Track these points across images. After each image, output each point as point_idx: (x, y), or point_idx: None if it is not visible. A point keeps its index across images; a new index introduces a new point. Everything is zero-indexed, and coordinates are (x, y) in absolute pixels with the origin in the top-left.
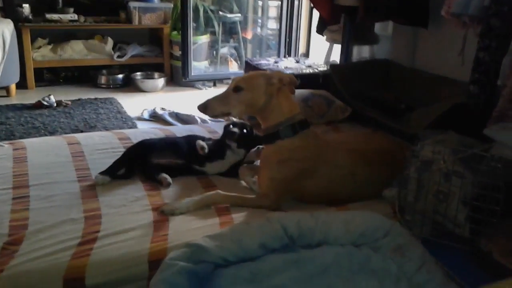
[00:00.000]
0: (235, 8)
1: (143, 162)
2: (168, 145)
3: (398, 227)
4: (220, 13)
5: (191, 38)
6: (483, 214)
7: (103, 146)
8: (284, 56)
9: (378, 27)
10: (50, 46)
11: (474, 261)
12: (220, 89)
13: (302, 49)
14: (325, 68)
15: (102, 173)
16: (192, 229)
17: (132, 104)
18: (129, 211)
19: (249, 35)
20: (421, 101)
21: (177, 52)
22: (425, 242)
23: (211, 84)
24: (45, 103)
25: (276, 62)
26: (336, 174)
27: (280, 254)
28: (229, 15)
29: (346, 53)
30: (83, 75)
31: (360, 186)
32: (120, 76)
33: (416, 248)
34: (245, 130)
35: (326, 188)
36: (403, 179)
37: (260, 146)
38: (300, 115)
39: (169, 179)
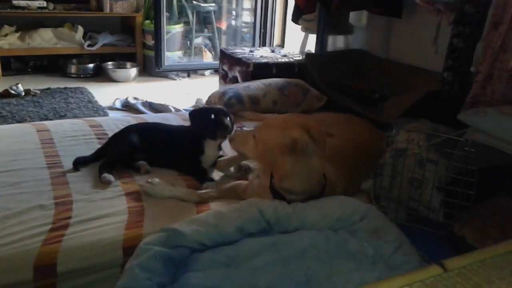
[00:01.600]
0: None
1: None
2: (149, 150)
3: (374, 211)
4: (194, 2)
5: (164, 27)
6: (457, 198)
7: (73, 133)
8: (259, 46)
9: (352, 17)
10: (17, 34)
11: (448, 246)
12: (195, 80)
13: (277, 40)
14: (301, 58)
15: (105, 171)
16: (168, 216)
17: (104, 94)
18: (102, 197)
19: (223, 25)
20: (395, 91)
21: (150, 41)
22: (399, 227)
23: (185, 74)
24: (12, 92)
25: (251, 51)
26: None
27: (258, 238)
28: (203, 5)
29: (321, 43)
30: (52, 64)
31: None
32: (91, 65)
33: (392, 231)
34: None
35: None
36: (378, 166)
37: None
38: (320, 185)
39: (147, 166)
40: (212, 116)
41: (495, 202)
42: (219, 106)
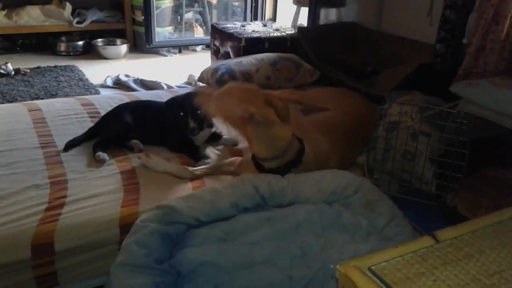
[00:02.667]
0: None
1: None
2: (142, 129)
3: (368, 184)
4: None
5: (154, 2)
6: (449, 170)
7: (65, 112)
8: (251, 21)
9: None
10: (4, 12)
11: (440, 216)
12: (186, 56)
13: (269, 13)
14: (293, 32)
15: (99, 150)
16: (163, 193)
17: (94, 72)
18: (96, 175)
19: (214, 0)
20: (388, 63)
21: (140, 17)
22: (392, 199)
23: (176, 50)
24: (2, 71)
25: (243, 26)
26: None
27: (253, 213)
28: None
29: (313, 16)
30: (41, 42)
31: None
32: (80, 43)
33: (385, 203)
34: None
35: None
36: (372, 140)
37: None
38: (293, 149)
39: (140, 145)
40: (181, 113)
41: (487, 173)
42: (188, 96)
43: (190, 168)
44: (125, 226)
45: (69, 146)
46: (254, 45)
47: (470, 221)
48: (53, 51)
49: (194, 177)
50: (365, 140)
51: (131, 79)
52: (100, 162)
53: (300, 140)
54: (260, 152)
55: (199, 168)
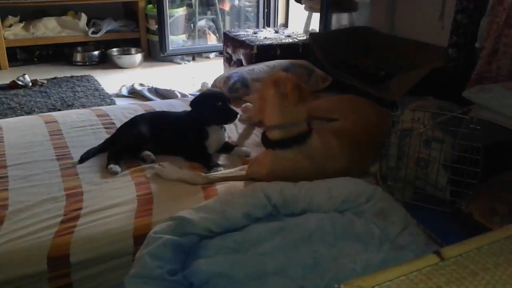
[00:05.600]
0: None
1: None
2: (156, 139)
3: (380, 192)
4: None
5: (167, 11)
6: (463, 176)
7: (81, 123)
8: (263, 27)
9: None
10: (21, 24)
11: (455, 223)
12: (200, 63)
13: (281, 19)
14: (305, 37)
15: (112, 162)
16: (176, 203)
17: (110, 81)
18: (111, 187)
19: (226, 7)
20: (401, 68)
21: (154, 26)
22: (406, 206)
23: (190, 58)
24: (20, 83)
25: (255, 33)
26: (331, 175)
27: (265, 223)
28: None
29: (325, 21)
30: (57, 53)
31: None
32: (96, 52)
33: (398, 212)
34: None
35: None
36: (384, 147)
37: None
38: (299, 128)
39: (152, 156)
40: (219, 103)
41: (502, 178)
42: (217, 90)
43: (203, 174)
44: (139, 237)
45: (84, 158)
46: (266, 52)
47: (476, 237)
48: (69, 62)
49: (207, 182)
50: (377, 149)
51: (145, 88)
52: (113, 174)
53: (309, 125)
54: (271, 118)
55: (212, 174)
